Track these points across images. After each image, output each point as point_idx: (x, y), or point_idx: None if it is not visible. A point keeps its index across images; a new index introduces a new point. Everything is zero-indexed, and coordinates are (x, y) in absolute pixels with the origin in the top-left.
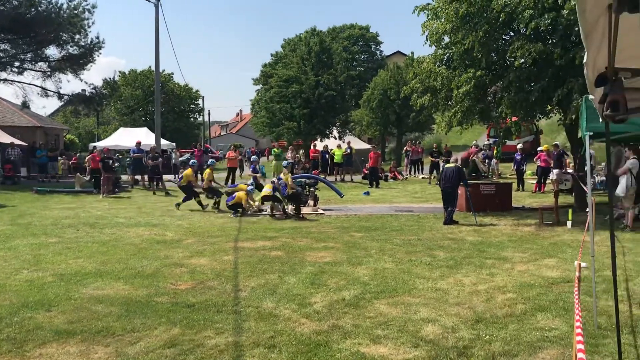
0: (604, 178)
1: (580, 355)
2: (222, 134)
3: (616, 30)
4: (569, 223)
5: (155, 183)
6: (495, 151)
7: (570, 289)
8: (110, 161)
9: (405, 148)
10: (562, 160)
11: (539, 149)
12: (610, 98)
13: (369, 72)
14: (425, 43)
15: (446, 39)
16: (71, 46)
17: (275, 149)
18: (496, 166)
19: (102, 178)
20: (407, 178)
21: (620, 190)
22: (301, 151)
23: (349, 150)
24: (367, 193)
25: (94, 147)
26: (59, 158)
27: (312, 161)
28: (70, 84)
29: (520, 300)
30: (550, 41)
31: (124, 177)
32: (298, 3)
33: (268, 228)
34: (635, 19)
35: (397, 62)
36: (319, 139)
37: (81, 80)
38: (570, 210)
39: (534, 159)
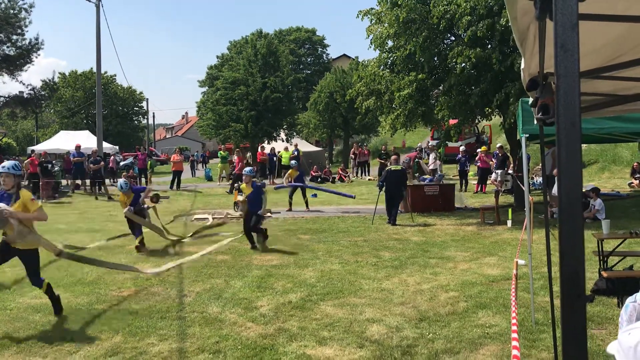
0: (541, 178)
1: (514, 352)
2: (167, 136)
3: (544, 36)
4: (509, 222)
5: (97, 188)
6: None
7: (509, 286)
8: (49, 165)
9: (352, 150)
10: (506, 161)
11: (478, 150)
12: (541, 101)
13: (316, 75)
14: (370, 47)
15: (390, 43)
16: (7, 47)
17: (221, 152)
18: (439, 167)
19: (40, 183)
20: (352, 180)
21: (556, 190)
22: (248, 154)
23: (296, 153)
24: (315, 195)
25: (32, 151)
26: None
27: (259, 164)
28: (7, 85)
29: (462, 298)
30: (489, 46)
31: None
32: (243, 4)
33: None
34: None
35: (343, 65)
36: (266, 142)
37: (18, 81)
38: (510, 210)
39: (475, 160)
